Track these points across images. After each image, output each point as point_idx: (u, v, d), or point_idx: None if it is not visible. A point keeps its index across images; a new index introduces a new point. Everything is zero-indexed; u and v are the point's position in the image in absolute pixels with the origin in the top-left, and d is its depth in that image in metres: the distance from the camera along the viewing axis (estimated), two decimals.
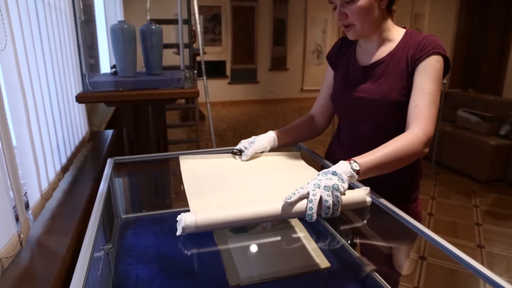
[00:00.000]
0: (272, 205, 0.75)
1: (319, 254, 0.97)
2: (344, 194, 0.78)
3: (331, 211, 0.74)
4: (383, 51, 1.06)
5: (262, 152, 1.14)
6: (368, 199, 0.83)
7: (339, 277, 0.91)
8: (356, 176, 0.82)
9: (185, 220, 0.69)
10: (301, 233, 1.07)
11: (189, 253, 0.95)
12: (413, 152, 0.91)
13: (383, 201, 0.86)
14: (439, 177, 3.92)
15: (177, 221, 0.71)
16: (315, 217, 0.73)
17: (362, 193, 0.83)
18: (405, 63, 1.01)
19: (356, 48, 1.15)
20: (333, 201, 0.74)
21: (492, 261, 2.44)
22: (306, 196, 0.75)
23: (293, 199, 0.74)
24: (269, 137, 1.15)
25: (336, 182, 0.76)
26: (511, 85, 6.42)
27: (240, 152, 1.12)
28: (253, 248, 0.98)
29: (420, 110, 0.94)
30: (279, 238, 1.04)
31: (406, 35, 1.05)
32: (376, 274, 0.91)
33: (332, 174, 0.79)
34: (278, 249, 0.99)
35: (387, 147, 0.89)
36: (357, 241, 1.06)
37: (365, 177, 0.86)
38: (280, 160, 1.13)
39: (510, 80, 6.46)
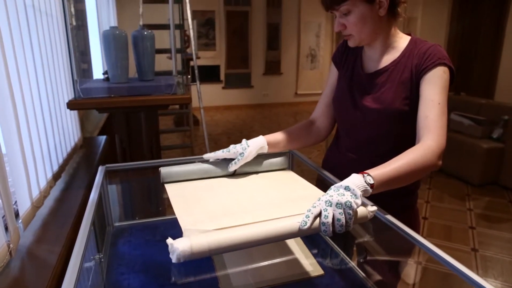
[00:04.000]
0: (281, 224, 0.70)
1: (312, 261, 0.96)
2: (356, 211, 0.73)
3: (344, 228, 0.71)
4: (387, 59, 1.05)
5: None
6: (371, 214, 0.78)
7: (333, 285, 0.91)
8: (370, 191, 0.78)
9: (177, 246, 0.63)
10: (295, 239, 1.06)
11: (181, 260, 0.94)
12: (428, 165, 0.87)
13: (378, 209, 0.85)
14: (433, 180, 3.94)
15: (170, 244, 0.65)
16: (331, 234, 0.71)
17: (365, 210, 0.77)
18: (410, 72, 0.99)
19: (362, 53, 1.13)
20: (345, 219, 0.71)
21: (486, 264, 2.45)
22: (318, 215, 0.72)
23: (308, 224, 0.70)
24: (258, 144, 1.06)
25: (349, 199, 0.72)
26: (503, 89, 6.47)
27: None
28: (246, 255, 0.97)
29: (431, 122, 0.91)
30: (272, 245, 1.03)
31: (411, 43, 1.03)
32: (371, 282, 0.91)
33: (345, 189, 0.74)
34: (271, 257, 0.98)
35: (401, 160, 0.85)
36: (353, 248, 1.05)
37: (378, 191, 0.81)
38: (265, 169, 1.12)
39: (501, 83, 6.52)
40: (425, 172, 0.88)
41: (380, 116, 1.03)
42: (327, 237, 1.09)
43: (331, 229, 0.70)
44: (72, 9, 1.74)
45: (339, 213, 0.71)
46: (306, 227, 0.70)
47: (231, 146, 1.05)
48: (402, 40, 1.05)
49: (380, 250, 0.98)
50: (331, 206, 0.71)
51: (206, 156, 1.05)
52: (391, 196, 0.92)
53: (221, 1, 7.24)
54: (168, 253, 0.65)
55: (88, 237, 0.72)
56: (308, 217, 0.71)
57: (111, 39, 1.60)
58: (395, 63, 1.03)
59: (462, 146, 3.87)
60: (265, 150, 1.08)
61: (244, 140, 1.06)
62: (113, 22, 4.19)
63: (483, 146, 3.69)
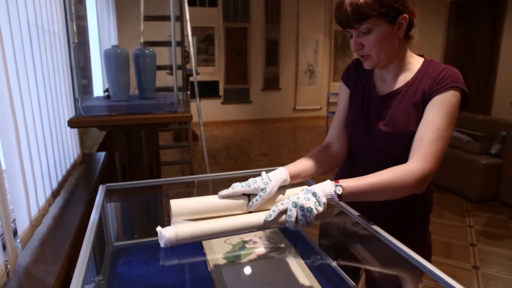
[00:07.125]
0: (253, 217, 0.83)
1: (314, 282, 0.95)
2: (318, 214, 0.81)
3: (305, 225, 0.81)
4: (401, 80, 1.02)
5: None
6: (331, 212, 0.87)
7: None
8: (337, 200, 0.83)
9: (165, 233, 0.75)
10: (297, 261, 1.05)
11: (181, 281, 0.93)
12: (404, 187, 0.88)
13: (383, 233, 0.84)
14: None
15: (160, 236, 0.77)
16: (294, 228, 0.82)
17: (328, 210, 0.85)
18: (422, 93, 0.97)
19: (373, 74, 1.10)
20: (306, 220, 0.80)
21: (488, 282, 2.42)
22: (284, 211, 0.81)
23: (272, 217, 0.81)
24: (280, 177, 0.94)
25: (312, 205, 0.79)
26: (499, 105, 6.53)
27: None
28: (247, 276, 0.96)
29: (424, 145, 0.90)
30: (273, 266, 1.02)
31: (424, 65, 1.01)
32: None
33: (312, 194, 0.81)
34: (272, 278, 0.97)
35: (377, 177, 0.88)
36: (360, 274, 1.03)
37: (348, 201, 0.88)
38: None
39: (498, 99, 6.58)
40: (400, 193, 0.90)
41: (394, 139, 1.00)
42: (332, 262, 1.07)
43: (294, 225, 0.80)
44: (74, 27, 1.76)
45: (301, 215, 0.80)
46: (270, 219, 0.80)
47: (250, 180, 0.91)
48: (415, 62, 1.02)
49: (387, 277, 0.96)
50: (295, 207, 0.80)
51: (222, 193, 0.89)
52: (404, 219, 0.92)
53: (220, 18, 7.33)
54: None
55: (89, 260, 0.71)
56: (274, 211, 0.81)
57: (113, 58, 1.61)
58: (408, 84, 1.00)
59: (461, 162, 3.87)
60: (287, 182, 0.97)
61: (264, 173, 0.93)
62: (114, 39, 4.23)
63: (481, 162, 3.69)
